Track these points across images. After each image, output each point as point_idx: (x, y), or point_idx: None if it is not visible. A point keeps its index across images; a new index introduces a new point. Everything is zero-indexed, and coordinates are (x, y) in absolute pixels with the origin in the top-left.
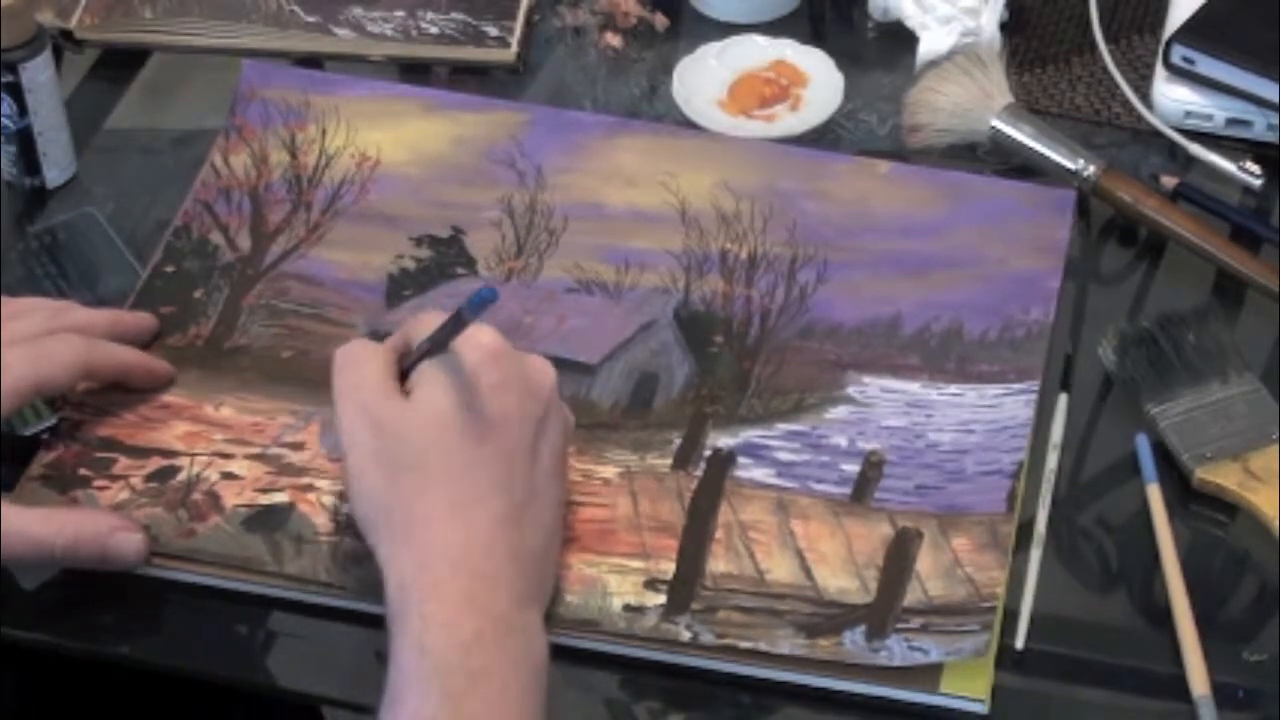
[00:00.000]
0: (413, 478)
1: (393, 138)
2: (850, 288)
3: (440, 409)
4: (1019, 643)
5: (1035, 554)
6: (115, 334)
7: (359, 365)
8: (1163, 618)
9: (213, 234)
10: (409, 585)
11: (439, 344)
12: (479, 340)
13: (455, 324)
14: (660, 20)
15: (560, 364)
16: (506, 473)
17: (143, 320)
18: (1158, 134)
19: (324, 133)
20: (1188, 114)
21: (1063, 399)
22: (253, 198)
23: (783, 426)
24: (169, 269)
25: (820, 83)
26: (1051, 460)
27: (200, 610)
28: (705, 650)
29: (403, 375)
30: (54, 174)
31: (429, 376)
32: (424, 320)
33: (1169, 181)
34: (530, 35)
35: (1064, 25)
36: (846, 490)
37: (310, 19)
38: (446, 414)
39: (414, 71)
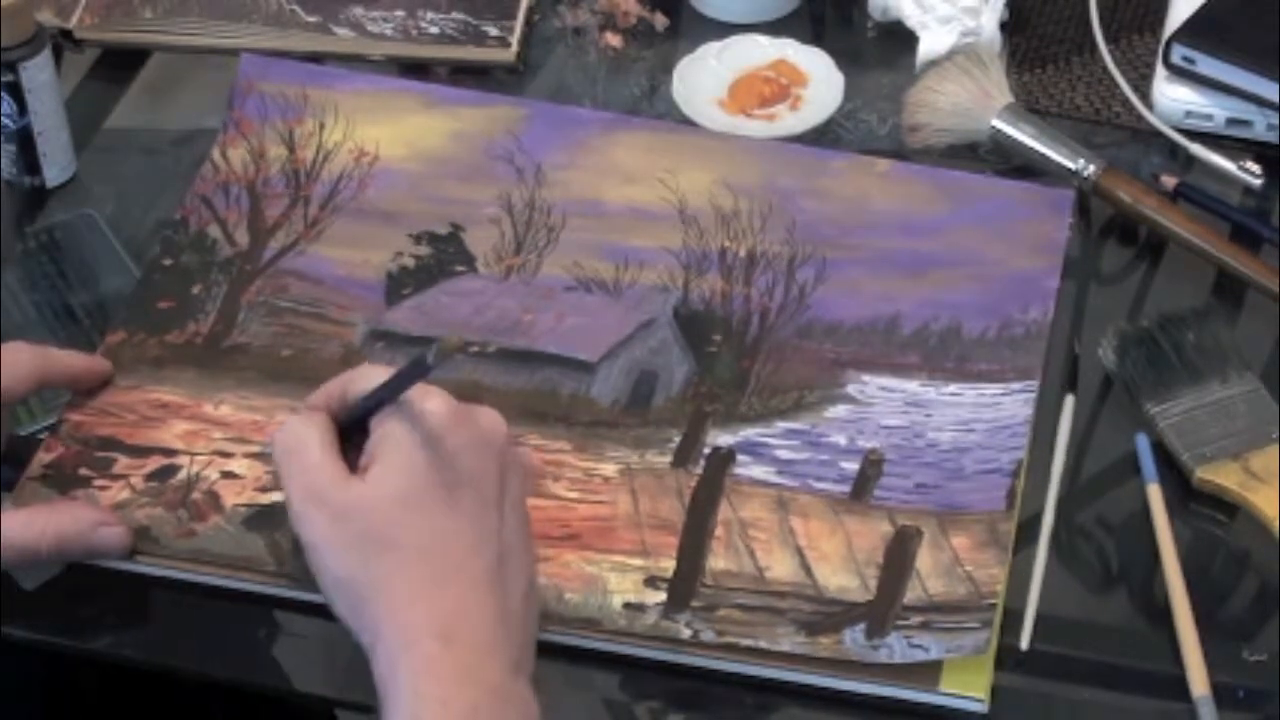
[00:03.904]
0: (386, 559)
1: (391, 133)
2: (849, 286)
3: (402, 484)
4: (1023, 643)
5: (1041, 555)
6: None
7: (301, 452)
8: (1163, 617)
9: (210, 228)
10: (398, 665)
11: (390, 395)
12: (430, 405)
13: (412, 374)
14: (660, 20)
15: (559, 362)
16: (477, 535)
17: (97, 367)
18: (1158, 134)
19: (322, 127)
20: (1188, 114)
21: (1069, 400)
22: (250, 192)
23: (782, 425)
24: (167, 262)
25: (820, 82)
26: (1059, 463)
27: (201, 609)
28: (705, 648)
29: (346, 428)
30: (54, 174)
31: (385, 451)
32: (363, 374)
33: (1169, 181)
34: (530, 35)
35: (1064, 25)
36: (846, 488)
37: (310, 19)
38: (410, 488)
39: (414, 71)
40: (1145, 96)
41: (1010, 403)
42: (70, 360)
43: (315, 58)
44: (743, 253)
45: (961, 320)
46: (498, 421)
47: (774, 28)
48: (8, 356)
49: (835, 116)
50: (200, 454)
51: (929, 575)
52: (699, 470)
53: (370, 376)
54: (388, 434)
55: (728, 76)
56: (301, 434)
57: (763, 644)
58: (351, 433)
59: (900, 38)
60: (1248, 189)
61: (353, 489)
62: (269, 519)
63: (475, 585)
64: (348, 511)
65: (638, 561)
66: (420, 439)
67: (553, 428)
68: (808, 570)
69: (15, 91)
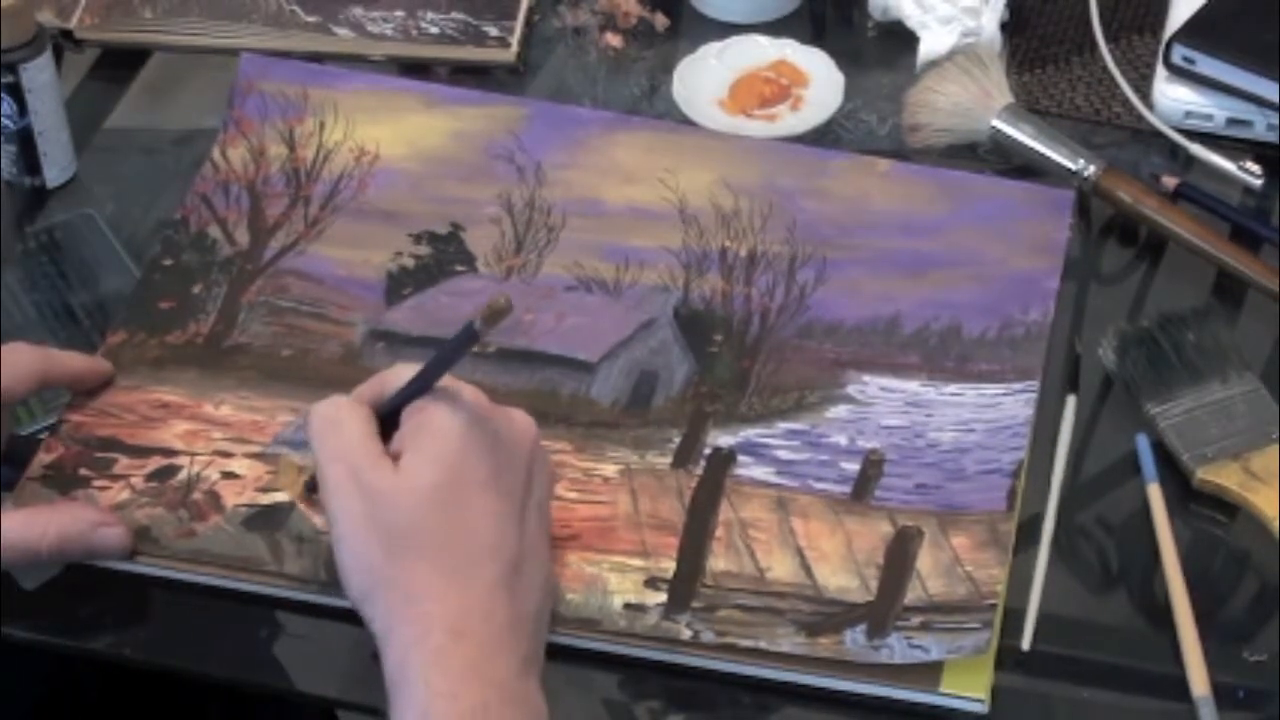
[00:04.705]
0: (408, 549)
1: (391, 132)
2: (849, 286)
3: (433, 476)
4: (1025, 644)
5: (1042, 555)
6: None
7: (341, 427)
8: (1163, 617)
9: (211, 227)
10: (409, 656)
11: (432, 376)
12: (463, 399)
13: (461, 342)
14: (660, 20)
15: (559, 362)
16: (500, 535)
17: (99, 368)
18: (1158, 134)
19: (322, 126)
20: (1188, 114)
21: (1071, 400)
22: (250, 191)
23: (783, 425)
24: (167, 262)
25: (820, 82)
26: (1060, 463)
27: (200, 610)
28: (706, 649)
29: (381, 420)
30: (54, 174)
31: (418, 440)
32: (399, 372)
33: (1169, 181)
34: (530, 35)
35: (1064, 25)
36: (846, 489)
37: (310, 19)
38: (440, 481)
39: (414, 71)
40: (1145, 96)
41: (1011, 403)
42: (71, 361)
43: (315, 58)
44: (743, 252)
45: (962, 320)
46: (529, 423)
47: (774, 28)
48: (9, 357)
49: (835, 116)
50: (200, 454)
51: (929, 576)
52: (699, 471)
53: (406, 374)
54: (422, 424)
55: (728, 77)
56: (344, 410)
57: (763, 645)
58: (386, 425)
59: (900, 38)
60: (1248, 189)
61: (386, 475)
62: (269, 519)
63: (491, 585)
64: (378, 496)
65: (638, 562)
66: (453, 432)
67: (553, 428)
68: (808, 571)
69: (15, 92)
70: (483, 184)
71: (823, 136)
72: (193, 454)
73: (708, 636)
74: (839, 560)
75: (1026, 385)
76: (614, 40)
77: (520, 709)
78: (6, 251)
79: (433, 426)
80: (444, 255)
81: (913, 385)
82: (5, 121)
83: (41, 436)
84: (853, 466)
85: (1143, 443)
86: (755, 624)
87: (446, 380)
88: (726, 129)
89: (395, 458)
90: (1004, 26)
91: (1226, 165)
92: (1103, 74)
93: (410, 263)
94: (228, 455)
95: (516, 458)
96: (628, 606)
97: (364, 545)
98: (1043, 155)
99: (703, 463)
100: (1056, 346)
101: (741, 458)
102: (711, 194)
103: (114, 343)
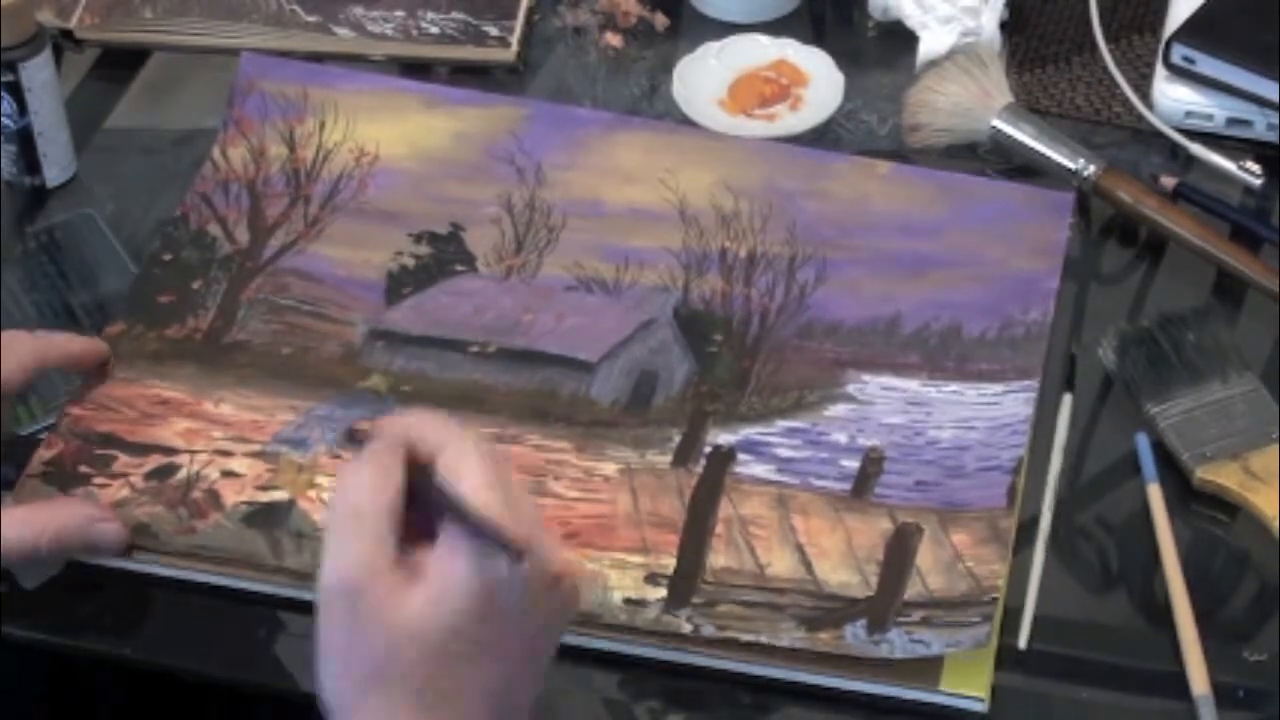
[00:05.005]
0: (384, 696)
1: (391, 132)
2: (849, 287)
3: (443, 634)
4: (1021, 643)
5: (1039, 555)
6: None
7: (361, 524)
8: (1163, 617)
9: (210, 225)
10: None
11: (477, 530)
12: (507, 561)
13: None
14: (660, 20)
15: (559, 362)
16: (486, 701)
17: (96, 349)
18: (1158, 134)
19: (322, 126)
20: (1188, 114)
21: (1067, 399)
22: (251, 191)
23: (782, 424)
24: (166, 257)
25: (820, 82)
26: (1056, 462)
27: (200, 609)
28: (706, 643)
29: (410, 488)
30: (54, 174)
31: (446, 584)
32: (436, 425)
33: (1169, 181)
34: (530, 35)
35: (1064, 25)
36: (846, 486)
37: (310, 19)
38: (449, 640)
39: (414, 71)
40: (1145, 96)
41: (1011, 401)
42: (69, 343)
43: (316, 58)
44: (743, 253)
45: (962, 320)
46: (575, 597)
47: (774, 28)
48: (6, 343)
49: (835, 116)
50: (200, 452)
51: (929, 572)
52: (699, 469)
53: (434, 430)
54: (446, 571)
55: (728, 76)
56: (368, 498)
57: (763, 639)
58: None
59: (900, 38)
60: (1248, 189)
61: (388, 608)
62: (269, 516)
63: None
64: (374, 620)
65: (638, 559)
66: (492, 593)
67: (553, 428)
68: (808, 567)
69: (15, 91)
70: (483, 184)
71: (822, 136)
72: (192, 452)
73: (708, 631)
74: (839, 556)
75: (1026, 385)
76: (614, 40)
77: None
78: (6, 251)
79: (455, 576)
80: (444, 255)
81: (913, 385)
82: (5, 121)
83: (41, 436)
84: (853, 464)
85: (1143, 442)
86: (756, 619)
87: (530, 517)
88: (726, 129)
89: (416, 575)
90: (1004, 26)
91: (1226, 165)
92: (1103, 74)
93: (410, 262)
94: (227, 454)
95: (550, 639)
96: (628, 601)
97: (338, 672)
98: (1043, 155)
99: (703, 461)
100: (1057, 347)
101: (741, 455)
102: (712, 194)
103: (112, 333)
